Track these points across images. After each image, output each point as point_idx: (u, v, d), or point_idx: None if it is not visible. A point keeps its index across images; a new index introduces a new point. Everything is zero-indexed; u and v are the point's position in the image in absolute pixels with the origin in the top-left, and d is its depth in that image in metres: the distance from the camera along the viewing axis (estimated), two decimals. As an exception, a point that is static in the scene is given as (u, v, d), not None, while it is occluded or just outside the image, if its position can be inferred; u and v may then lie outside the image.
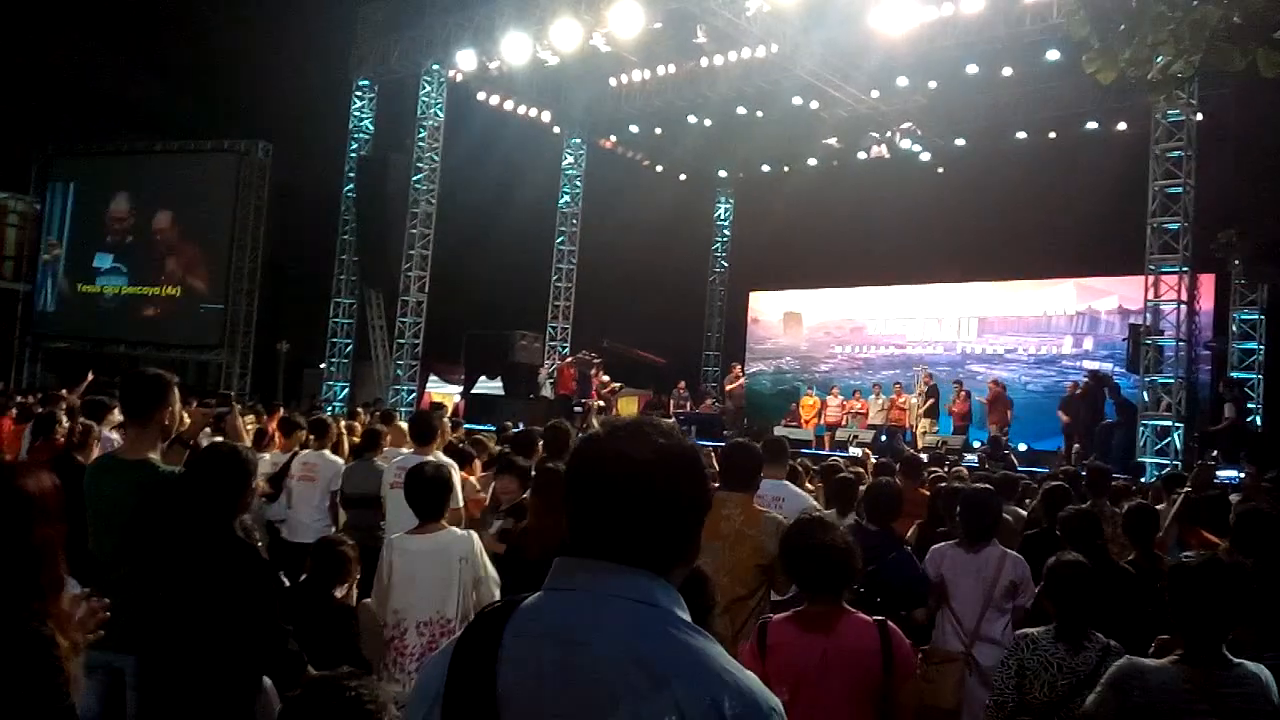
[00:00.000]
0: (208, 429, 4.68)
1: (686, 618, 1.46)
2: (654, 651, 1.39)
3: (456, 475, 6.35)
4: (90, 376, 11.18)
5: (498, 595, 4.34)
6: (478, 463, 7.86)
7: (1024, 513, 7.16)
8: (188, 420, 4.24)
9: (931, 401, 18.25)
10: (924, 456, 12.24)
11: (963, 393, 18.28)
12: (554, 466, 4.79)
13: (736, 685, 1.39)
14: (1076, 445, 15.41)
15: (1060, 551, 3.91)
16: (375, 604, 4.31)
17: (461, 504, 6.16)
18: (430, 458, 6.00)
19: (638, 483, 1.47)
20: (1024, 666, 3.58)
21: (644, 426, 1.55)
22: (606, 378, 20.31)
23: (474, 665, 1.45)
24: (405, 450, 7.07)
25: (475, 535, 4.54)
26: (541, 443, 6.66)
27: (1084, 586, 3.62)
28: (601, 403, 19.52)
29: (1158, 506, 6.85)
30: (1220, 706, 2.67)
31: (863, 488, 6.17)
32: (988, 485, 6.09)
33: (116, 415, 6.59)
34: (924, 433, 17.93)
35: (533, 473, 5.58)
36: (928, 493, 7.34)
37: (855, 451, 13.60)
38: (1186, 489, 6.16)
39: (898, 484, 5.95)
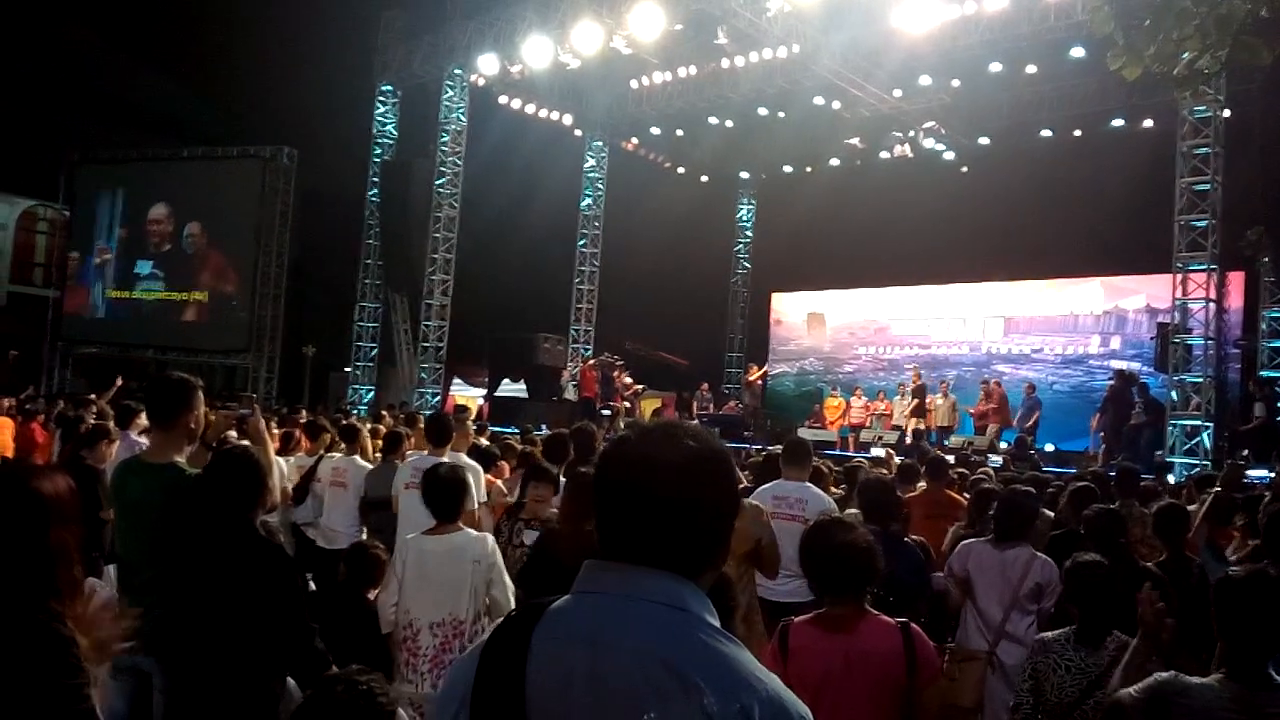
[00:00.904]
0: (232, 432, 4.71)
1: (715, 622, 1.45)
2: (683, 656, 1.38)
3: (481, 478, 6.38)
4: (119, 382, 11.28)
5: (511, 599, 4.36)
6: (505, 465, 7.88)
7: (1051, 514, 7.10)
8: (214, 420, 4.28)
9: (917, 401, 18.23)
10: (950, 458, 12.15)
11: (986, 394, 18.16)
12: (585, 471, 4.79)
13: (766, 692, 1.38)
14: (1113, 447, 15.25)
15: (1077, 553, 3.86)
16: (382, 604, 4.31)
17: (477, 505, 6.19)
18: (445, 459, 6.03)
19: (668, 486, 1.46)
20: (1037, 670, 3.57)
21: (674, 429, 1.53)
22: (630, 379, 20.34)
23: (503, 667, 1.45)
24: (424, 452, 7.10)
25: (491, 537, 4.56)
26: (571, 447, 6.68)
27: (1102, 586, 3.57)
28: (627, 404, 19.55)
29: (1189, 507, 6.78)
30: None
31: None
32: (1027, 488, 6.04)
33: (144, 420, 6.64)
34: (910, 431, 17.81)
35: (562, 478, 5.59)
36: (954, 494, 7.27)
37: (878, 452, 13.53)
38: (1216, 488, 6.08)
39: (890, 481, 5.92)
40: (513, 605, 4.35)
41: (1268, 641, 2.66)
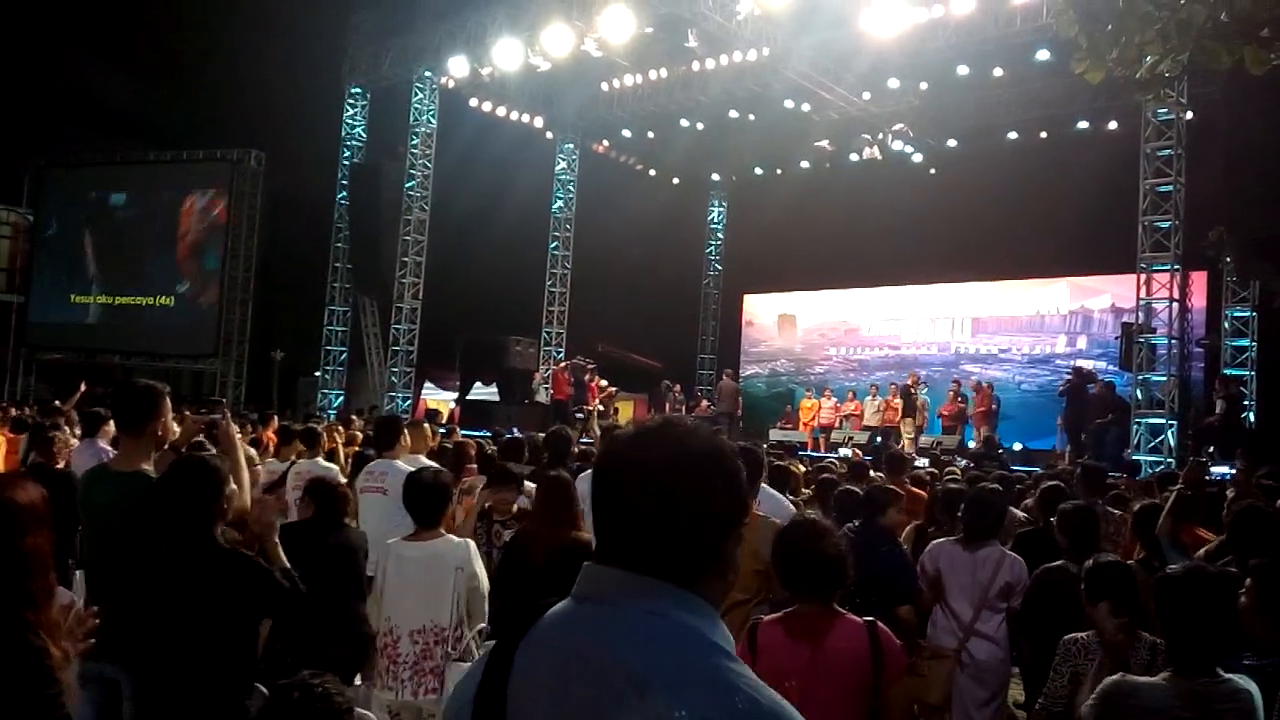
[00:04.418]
0: (201, 437, 4.67)
1: (710, 634, 1.37)
2: (656, 668, 1.30)
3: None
4: (83, 388, 11.14)
5: (486, 605, 4.35)
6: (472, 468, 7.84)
7: (1019, 513, 7.16)
8: (177, 430, 4.24)
9: (903, 402, 18.53)
10: (924, 461, 12.27)
11: (956, 394, 18.33)
12: (557, 475, 4.79)
13: (742, 705, 1.28)
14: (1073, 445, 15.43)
15: (1098, 554, 3.80)
16: (370, 608, 4.30)
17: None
18: (399, 461, 6.00)
19: (643, 486, 1.39)
20: (1079, 675, 3.42)
21: (667, 427, 1.46)
22: (604, 382, 20.34)
23: (492, 679, 1.42)
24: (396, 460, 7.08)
25: (472, 543, 4.54)
26: (545, 450, 6.68)
27: (1129, 588, 3.50)
28: (601, 407, 19.53)
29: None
30: None
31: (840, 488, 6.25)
32: (995, 486, 6.09)
33: (110, 427, 6.56)
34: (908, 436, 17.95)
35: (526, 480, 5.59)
36: (916, 490, 7.33)
37: (846, 453, 13.63)
38: (1179, 485, 6.16)
39: (884, 484, 5.97)
40: (486, 611, 4.37)
41: (1209, 637, 2.69)
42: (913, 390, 18.70)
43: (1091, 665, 3.39)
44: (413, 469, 6.22)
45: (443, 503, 4.48)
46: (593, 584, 1.42)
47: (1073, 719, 3.40)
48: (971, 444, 16.92)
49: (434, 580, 4.27)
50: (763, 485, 5.88)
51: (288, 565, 3.58)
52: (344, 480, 6.11)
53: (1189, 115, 14.97)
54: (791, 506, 5.93)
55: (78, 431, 7.27)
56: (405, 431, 6.74)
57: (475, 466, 7.66)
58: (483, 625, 4.35)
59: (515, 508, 5.39)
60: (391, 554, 4.33)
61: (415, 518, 4.41)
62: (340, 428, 11.23)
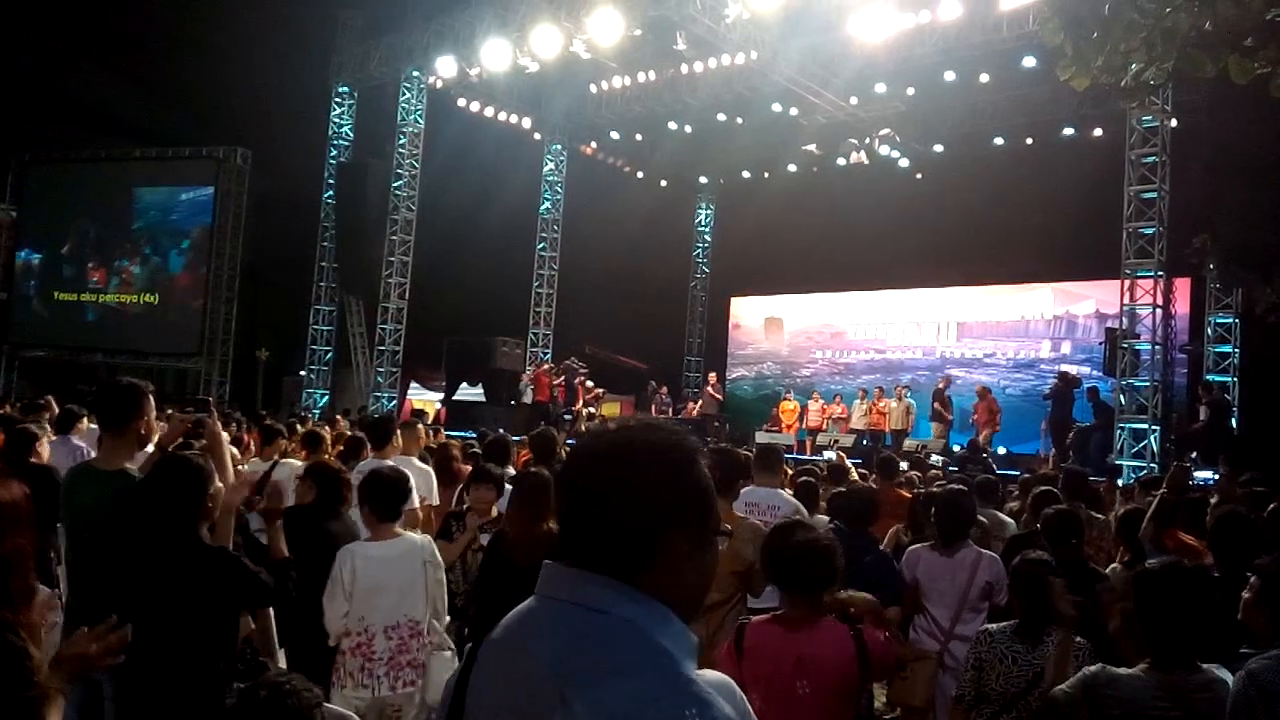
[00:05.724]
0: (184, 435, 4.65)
1: (653, 632, 1.32)
2: (572, 662, 1.28)
3: (432, 480, 6.39)
4: (53, 403, 11.02)
5: (445, 599, 4.46)
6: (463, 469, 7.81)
7: (1004, 517, 7.19)
8: (158, 429, 4.21)
9: (938, 406, 18.32)
10: (904, 464, 12.27)
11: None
12: (535, 471, 4.77)
13: (628, 704, 1.23)
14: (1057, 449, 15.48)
15: (1024, 550, 3.97)
16: (331, 618, 4.26)
17: (417, 505, 6.18)
18: (388, 461, 6.00)
19: (581, 478, 1.40)
20: (981, 660, 3.67)
21: (625, 423, 1.46)
22: (591, 383, 20.35)
23: (462, 675, 1.46)
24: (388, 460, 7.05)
25: (431, 539, 4.60)
26: (529, 449, 6.68)
27: (1043, 583, 3.65)
28: (590, 409, 19.53)
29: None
30: (1191, 712, 2.67)
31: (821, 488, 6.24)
32: (961, 487, 6.11)
33: (85, 424, 6.53)
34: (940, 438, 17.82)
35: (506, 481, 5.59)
36: (904, 493, 7.36)
37: (831, 455, 13.64)
38: (1162, 490, 6.19)
39: (872, 488, 5.97)
40: (445, 606, 4.47)
41: (1186, 631, 2.75)
42: (944, 393, 18.47)
43: (992, 654, 3.66)
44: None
45: (403, 498, 4.47)
46: (545, 581, 1.42)
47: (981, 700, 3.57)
48: (956, 448, 16.95)
49: (407, 577, 4.32)
50: (779, 490, 5.88)
51: (286, 553, 3.60)
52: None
53: (1173, 122, 15.05)
54: (796, 502, 5.92)
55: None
56: (398, 432, 6.77)
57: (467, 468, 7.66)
58: (449, 618, 4.41)
59: (494, 511, 5.35)
60: (358, 556, 4.31)
61: (378, 514, 4.39)
62: (326, 427, 11.18)
